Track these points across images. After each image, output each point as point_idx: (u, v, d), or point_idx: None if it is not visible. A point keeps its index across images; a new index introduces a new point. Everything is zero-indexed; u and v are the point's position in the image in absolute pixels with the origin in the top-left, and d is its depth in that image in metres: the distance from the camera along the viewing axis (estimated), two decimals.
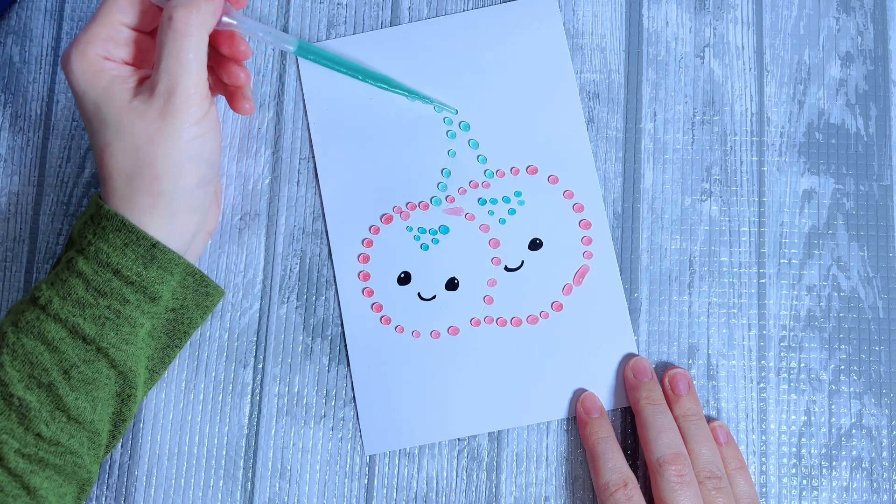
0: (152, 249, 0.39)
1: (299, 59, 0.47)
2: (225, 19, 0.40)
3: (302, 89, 0.47)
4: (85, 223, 0.40)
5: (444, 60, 0.47)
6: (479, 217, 0.46)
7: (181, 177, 0.39)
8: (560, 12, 0.47)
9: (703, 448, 0.41)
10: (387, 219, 0.46)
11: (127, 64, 0.40)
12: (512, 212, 0.46)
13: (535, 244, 0.46)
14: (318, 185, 0.46)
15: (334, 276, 0.46)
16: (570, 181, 0.46)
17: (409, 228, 0.46)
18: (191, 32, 0.37)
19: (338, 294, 0.45)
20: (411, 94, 0.46)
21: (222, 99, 0.47)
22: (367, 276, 0.45)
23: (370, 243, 0.46)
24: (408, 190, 0.46)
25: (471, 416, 0.44)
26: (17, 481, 0.37)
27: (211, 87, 0.43)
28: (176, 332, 0.42)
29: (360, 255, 0.46)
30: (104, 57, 0.39)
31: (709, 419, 0.44)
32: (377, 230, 0.46)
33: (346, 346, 0.45)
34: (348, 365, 0.45)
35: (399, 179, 0.46)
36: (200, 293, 0.42)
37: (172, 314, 0.41)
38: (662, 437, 0.40)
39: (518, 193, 0.46)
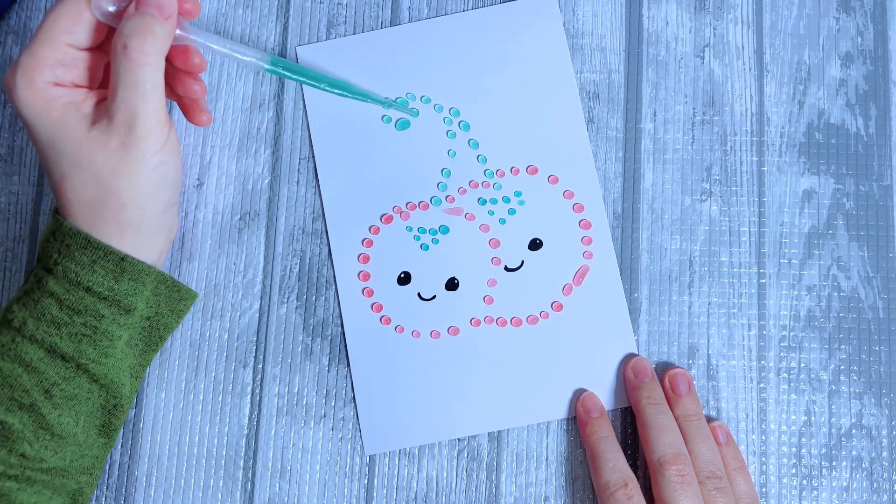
0: (121, 263, 0.38)
1: (299, 58, 0.47)
2: (178, 32, 0.38)
3: (302, 89, 0.47)
4: (47, 239, 0.39)
5: (444, 60, 0.47)
6: (479, 217, 0.46)
7: (147, 204, 0.38)
8: (560, 12, 0.47)
9: (703, 448, 0.41)
10: (387, 219, 0.46)
11: (78, 86, 0.38)
12: (512, 212, 0.46)
13: (535, 244, 0.45)
14: (318, 185, 0.46)
15: (334, 276, 0.46)
16: (570, 181, 0.46)
17: (409, 228, 0.46)
18: (147, 61, 0.36)
19: (338, 294, 0.45)
20: (385, 103, 0.46)
21: (222, 96, 0.47)
22: (367, 276, 0.45)
23: (370, 243, 0.46)
24: (408, 190, 0.46)
25: (471, 416, 0.44)
26: (4, 500, 0.37)
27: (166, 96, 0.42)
28: (152, 338, 0.42)
29: (360, 255, 0.46)
30: (54, 83, 0.37)
31: (709, 419, 0.44)
32: (377, 230, 0.46)
33: (346, 346, 0.45)
34: (348, 365, 0.45)
35: (399, 179, 0.46)
36: (173, 298, 0.42)
37: (147, 322, 0.41)
38: (663, 436, 0.40)
39: (518, 193, 0.46)
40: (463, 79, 0.47)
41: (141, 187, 0.37)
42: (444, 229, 0.46)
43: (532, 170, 0.46)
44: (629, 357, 0.44)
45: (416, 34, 0.47)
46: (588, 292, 0.45)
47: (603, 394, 0.44)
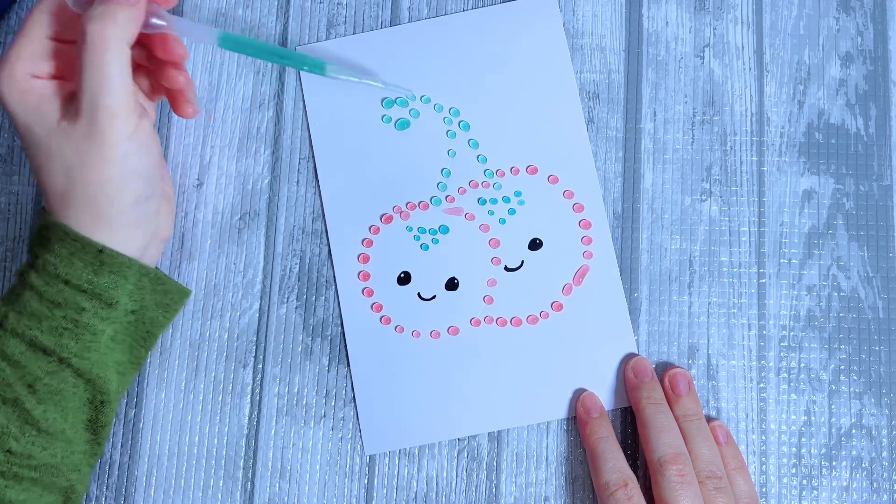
0: (100, 255, 0.38)
1: None
2: (154, 21, 0.38)
3: (302, 89, 0.47)
4: (33, 236, 0.39)
5: (444, 60, 0.47)
6: (479, 217, 0.46)
7: (116, 196, 0.38)
8: (560, 12, 0.47)
9: (703, 448, 0.41)
10: (387, 219, 0.46)
11: (55, 78, 0.38)
12: (512, 212, 0.46)
13: (535, 244, 0.45)
14: (318, 185, 0.46)
15: (334, 276, 0.46)
16: (570, 181, 0.46)
17: (409, 228, 0.46)
18: (108, 46, 0.35)
19: (338, 294, 0.45)
20: (347, 74, 0.45)
21: (222, 96, 0.47)
22: (367, 276, 0.45)
23: (370, 243, 0.46)
24: (408, 190, 0.46)
25: (471, 416, 0.44)
26: None
27: (153, 92, 0.42)
28: (139, 333, 0.41)
29: (360, 255, 0.46)
30: (32, 75, 0.37)
31: (708, 419, 0.44)
32: (377, 230, 0.46)
33: (346, 346, 0.45)
34: (348, 365, 0.45)
35: (399, 179, 0.46)
36: (158, 292, 0.41)
37: (132, 316, 0.41)
38: (663, 436, 0.40)
39: (518, 193, 0.46)
40: (463, 79, 0.47)
41: (108, 178, 0.37)
42: (444, 229, 0.46)
43: (532, 170, 0.46)
44: (629, 357, 0.44)
45: (416, 34, 0.47)
46: (588, 292, 0.45)
47: (603, 394, 0.44)
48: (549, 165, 0.46)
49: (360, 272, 0.45)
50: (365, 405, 0.44)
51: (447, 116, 0.46)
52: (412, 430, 0.44)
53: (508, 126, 0.46)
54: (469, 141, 0.46)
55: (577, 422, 0.44)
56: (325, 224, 0.46)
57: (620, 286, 0.45)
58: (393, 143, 0.46)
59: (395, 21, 0.48)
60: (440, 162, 0.46)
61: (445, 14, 0.48)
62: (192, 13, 0.48)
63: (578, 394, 0.44)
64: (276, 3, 0.48)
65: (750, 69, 0.47)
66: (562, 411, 0.44)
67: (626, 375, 0.44)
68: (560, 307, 0.45)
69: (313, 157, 0.47)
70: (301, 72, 0.47)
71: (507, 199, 0.46)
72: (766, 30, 0.47)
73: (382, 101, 0.47)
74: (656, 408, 0.42)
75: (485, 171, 0.46)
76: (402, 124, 0.46)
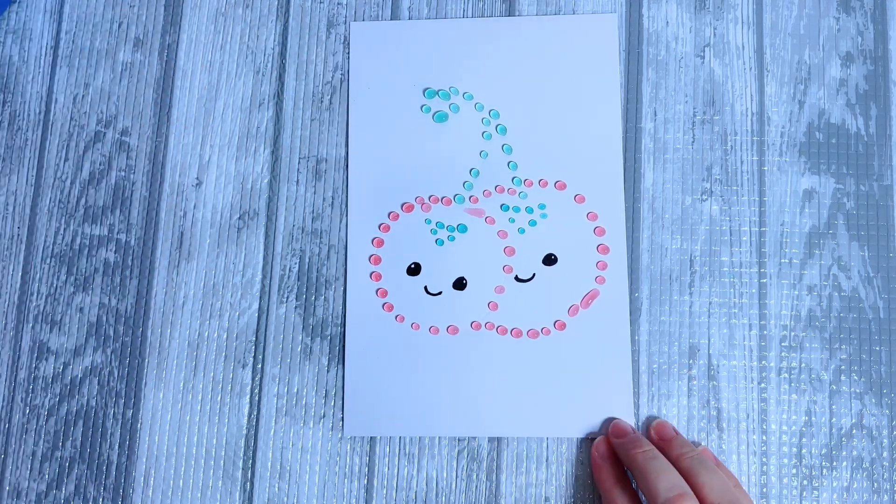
0: None
1: (352, 36, 0.47)
2: None
3: (349, 59, 0.47)
4: None
5: (494, 60, 0.47)
6: (498, 222, 0.45)
7: None
8: (617, 32, 0.47)
9: (711, 478, 0.39)
10: (407, 207, 0.46)
11: None
12: (533, 223, 0.45)
13: (549, 259, 0.45)
14: (347, 161, 0.46)
15: (346, 255, 0.45)
16: (597, 203, 0.45)
17: (428, 221, 0.45)
18: None
19: (346, 274, 0.45)
20: None
21: (221, 95, 0.47)
22: (377, 260, 0.45)
23: (387, 228, 0.45)
24: (434, 183, 0.46)
25: (454, 416, 0.44)
26: None
27: None
28: None
29: (374, 238, 0.45)
30: None
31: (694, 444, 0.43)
32: (396, 216, 0.45)
33: (344, 340, 0.45)
34: (344, 344, 0.45)
35: (427, 171, 0.46)
36: None
37: None
38: (661, 479, 0.39)
39: (542, 206, 0.45)
40: (509, 82, 0.46)
41: None
42: (463, 228, 0.45)
43: (560, 185, 0.46)
44: (609, 421, 0.44)
45: (477, 30, 0.47)
46: (594, 317, 0.44)
47: (589, 420, 0.44)
48: (579, 184, 0.46)
49: (371, 255, 0.45)
50: (352, 387, 0.44)
51: (486, 117, 0.46)
52: (393, 420, 0.44)
53: (545, 138, 0.46)
54: (503, 146, 0.46)
55: (591, 466, 0.43)
56: (347, 199, 0.46)
57: (627, 316, 0.44)
58: (428, 134, 0.46)
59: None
60: (471, 161, 0.46)
61: (445, 16, 0.48)
62: (192, 13, 0.48)
63: (568, 414, 0.43)
64: (276, 3, 0.48)
65: (750, 69, 0.47)
66: (546, 429, 0.44)
67: (610, 442, 0.43)
68: (563, 326, 0.44)
69: (347, 130, 0.46)
70: (351, 43, 0.47)
71: (529, 210, 0.45)
72: (766, 29, 0.47)
73: (425, 91, 0.46)
74: (644, 454, 0.40)
75: (513, 178, 0.46)
76: (441, 117, 0.46)
